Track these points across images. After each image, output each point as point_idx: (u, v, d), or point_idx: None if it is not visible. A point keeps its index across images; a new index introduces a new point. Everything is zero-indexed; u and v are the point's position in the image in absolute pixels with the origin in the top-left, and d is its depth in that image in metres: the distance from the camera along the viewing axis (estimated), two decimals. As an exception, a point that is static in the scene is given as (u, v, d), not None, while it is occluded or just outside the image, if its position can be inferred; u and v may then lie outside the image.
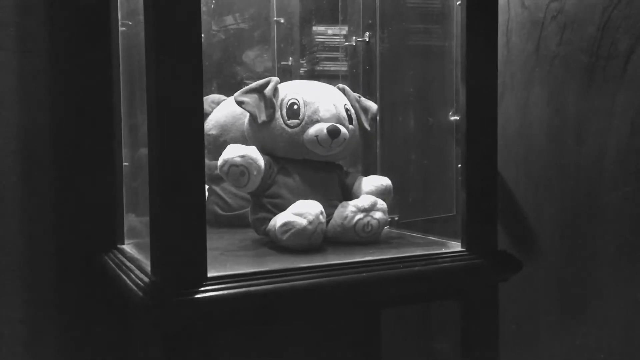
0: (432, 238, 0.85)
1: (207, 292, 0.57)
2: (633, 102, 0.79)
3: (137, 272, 0.64)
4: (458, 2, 0.75)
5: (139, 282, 0.61)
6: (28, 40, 0.86)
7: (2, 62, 0.84)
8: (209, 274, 0.59)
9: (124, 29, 0.85)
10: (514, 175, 0.96)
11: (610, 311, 0.83)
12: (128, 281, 0.63)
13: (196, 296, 0.56)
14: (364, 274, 0.66)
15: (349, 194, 0.83)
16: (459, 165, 0.76)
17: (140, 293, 0.58)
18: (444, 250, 0.74)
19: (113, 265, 0.74)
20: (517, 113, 0.95)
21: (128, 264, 0.70)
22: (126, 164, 0.86)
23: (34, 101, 0.86)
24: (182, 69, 0.57)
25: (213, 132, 0.97)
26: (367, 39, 1.03)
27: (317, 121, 0.78)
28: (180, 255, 0.57)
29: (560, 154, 0.89)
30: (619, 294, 0.81)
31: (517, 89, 0.95)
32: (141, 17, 0.61)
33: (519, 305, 0.96)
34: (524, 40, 0.94)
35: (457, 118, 0.82)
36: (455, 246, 0.76)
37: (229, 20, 1.08)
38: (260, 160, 0.76)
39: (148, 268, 0.63)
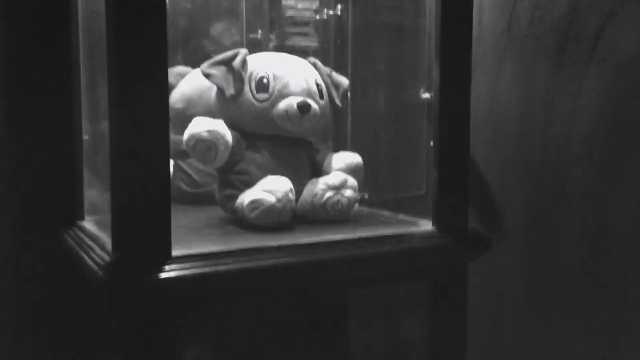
0: (402, 217, 0.84)
1: (171, 272, 0.54)
2: (600, 83, 0.79)
3: (98, 250, 0.61)
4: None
5: (100, 261, 0.58)
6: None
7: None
8: (174, 253, 0.56)
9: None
10: (483, 155, 0.96)
11: (574, 291, 0.83)
12: (88, 260, 0.60)
13: (160, 276, 0.54)
14: (334, 254, 0.64)
15: (319, 171, 0.82)
16: (431, 143, 0.75)
17: (100, 273, 0.56)
18: (414, 230, 0.73)
19: (72, 242, 0.71)
20: (488, 92, 0.95)
21: (88, 241, 0.67)
22: (86, 137, 0.82)
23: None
24: (145, 36, 0.54)
25: (178, 105, 0.94)
26: (339, 13, 1.00)
27: (287, 95, 0.76)
28: (143, 233, 0.55)
29: (529, 134, 0.89)
30: (583, 271, 0.82)
31: (488, 68, 0.94)
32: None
33: (486, 284, 0.96)
34: (495, 19, 0.93)
35: (429, 96, 0.81)
36: (426, 225, 0.75)
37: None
38: (228, 135, 0.74)
39: (109, 246, 0.61)
